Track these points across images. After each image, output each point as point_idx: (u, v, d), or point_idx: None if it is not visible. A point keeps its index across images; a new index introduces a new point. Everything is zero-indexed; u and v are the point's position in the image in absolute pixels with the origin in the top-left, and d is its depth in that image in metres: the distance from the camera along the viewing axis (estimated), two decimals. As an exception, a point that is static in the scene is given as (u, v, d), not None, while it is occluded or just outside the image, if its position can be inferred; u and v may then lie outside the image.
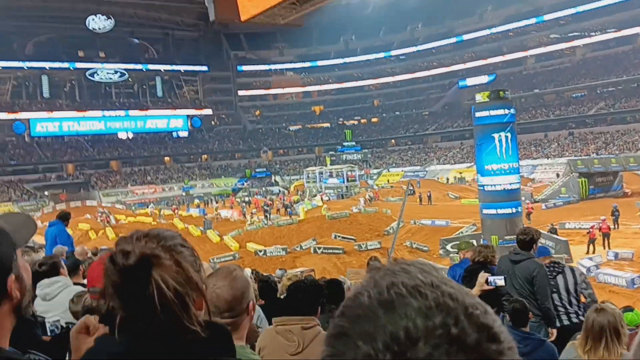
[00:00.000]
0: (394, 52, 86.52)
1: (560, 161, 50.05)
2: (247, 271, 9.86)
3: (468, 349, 0.51)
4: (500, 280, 4.04)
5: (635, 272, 17.80)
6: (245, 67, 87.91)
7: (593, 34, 68.36)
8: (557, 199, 36.09)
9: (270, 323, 3.09)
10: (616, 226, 24.88)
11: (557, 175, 44.52)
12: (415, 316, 0.53)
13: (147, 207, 53.57)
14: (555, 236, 22.78)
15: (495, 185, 21.56)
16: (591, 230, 22.57)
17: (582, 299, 5.64)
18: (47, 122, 69.94)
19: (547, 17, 70.98)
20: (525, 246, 5.40)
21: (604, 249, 21.66)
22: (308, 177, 57.18)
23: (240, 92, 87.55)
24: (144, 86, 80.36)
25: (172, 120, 79.31)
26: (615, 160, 36.98)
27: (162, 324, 1.06)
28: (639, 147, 51.55)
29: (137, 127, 76.94)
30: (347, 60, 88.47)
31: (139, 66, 78.24)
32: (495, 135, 21.46)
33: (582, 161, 39.18)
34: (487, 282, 4.20)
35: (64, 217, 8.06)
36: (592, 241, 22.23)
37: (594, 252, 21.70)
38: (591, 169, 36.66)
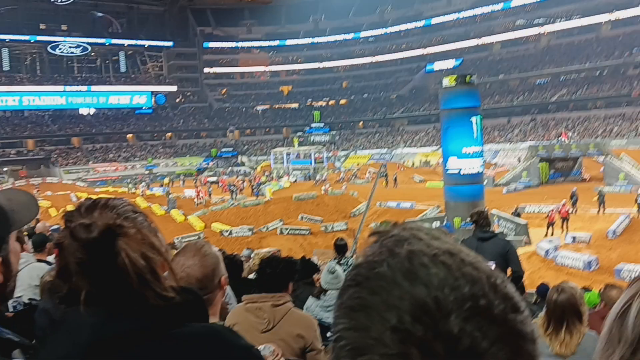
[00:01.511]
0: (363, 34, 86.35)
1: (523, 146, 51.03)
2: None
3: (497, 321, 0.50)
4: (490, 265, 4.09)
5: (592, 255, 18.41)
6: (211, 44, 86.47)
7: (558, 21, 69.51)
8: (518, 183, 36.88)
9: (239, 301, 3.07)
10: (575, 210, 25.60)
11: (519, 160, 45.41)
12: (443, 287, 0.50)
13: (108, 185, 52.56)
14: (515, 218, 23.35)
15: (459, 168, 21.89)
16: (550, 213, 23.20)
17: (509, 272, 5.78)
18: (6, 97, 67.77)
19: (513, 3, 71.85)
20: (488, 223, 5.77)
21: (563, 232, 22.28)
22: (275, 157, 56.96)
23: (207, 70, 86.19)
24: (107, 61, 78.40)
25: (136, 97, 77.70)
26: (576, 146, 37.95)
27: (135, 294, 1.02)
28: (598, 133, 53.00)
29: (100, 102, 75.24)
30: (317, 40, 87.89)
31: (102, 40, 76.21)
32: (461, 120, 21.74)
33: (544, 146, 40.07)
34: None
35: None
36: (551, 224, 22.86)
37: (552, 235, 22.33)
38: (552, 155, 37.56)
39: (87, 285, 1.01)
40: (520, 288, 5.67)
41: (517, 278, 5.59)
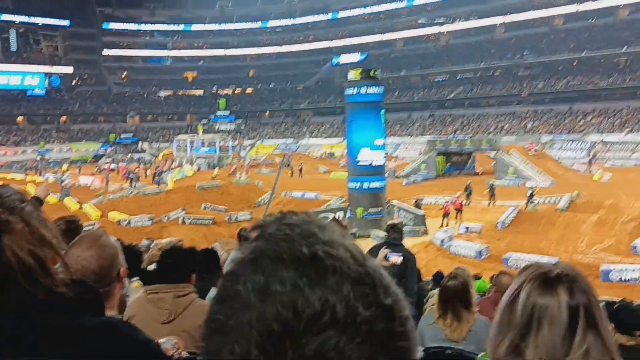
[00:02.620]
0: (270, 23, 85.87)
1: (422, 140, 53.15)
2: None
3: (361, 335, 0.46)
4: (396, 257, 4.17)
5: (483, 244, 19.56)
6: (112, 25, 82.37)
7: (457, 21, 72.85)
8: (417, 175, 38.43)
9: None
10: (469, 202, 27.07)
11: (420, 153, 47.31)
12: (295, 304, 0.46)
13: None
14: (413, 209, 24.32)
15: (362, 160, 22.43)
16: (445, 205, 24.39)
17: None
18: None
19: (416, 2, 74.42)
20: (399, 236, 6.03)
21: (457, 222, 23.50)
22: (179, 145, 55.40)
23: (106, 52, 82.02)
24: (-5, 38, 72.54)
25: (28, 77, 72.56)
26: (470, 142, 40.13)
27: (24, 292, 0.94)
28: (490, 130, 56.31)
29: (-14, 82, 69.51)
30: (223, 26, 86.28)
31: (-11, 15, 70.30)
32: (365, 113, 22.27)
33: (441, 141, 42.01)
34: (385, 258, 4.32)
35: (39, 201, 7.96)
36: (445, 215, 24.03)
37: (447, 226, 23.50)
38: (448, 149, 39.51)
39: None
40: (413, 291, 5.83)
41: (411, 291, 5.64)
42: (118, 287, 1.79)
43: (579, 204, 25.39)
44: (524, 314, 0.95)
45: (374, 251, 6.02)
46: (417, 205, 24.10)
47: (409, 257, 5.81)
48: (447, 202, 24.72)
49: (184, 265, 2.79)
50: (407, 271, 5.68)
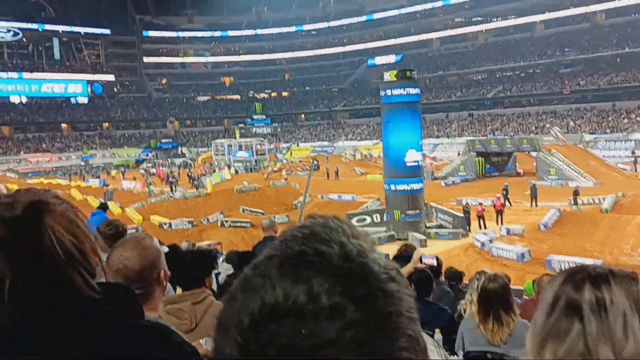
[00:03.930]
0: (305, 27, 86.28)
1: (460, 141, 52.42)
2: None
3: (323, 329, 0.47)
4: (431, 260, 4.16)
5: (525, 247, 19.15)
6: (151, 33, 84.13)
7: (495, 19, 71.73)
8: (455, 176, 37.90)
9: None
10: (506, 203, 26.54)
11: (458, 154, 46.68)
12: (270, 295, 0.49)
13: (41, 176, 50.44)
14: (452, 211, 23.98)
15: (399, 162, 22.26)
16: (479, 207, 23.77)
17: None
18: None
19: (452, 1, 73.52)
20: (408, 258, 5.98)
21: (497, 224, 23.05)
22: (216, 149, 56.20)
23: (146, 59, 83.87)
24: (40, 47, 74.91)
25: (71, 85, 74.72)
26: (510, 142, 39.32)
27: (58, 284, 0.92)
28: (531, 129, 55.12)
29: (32, 91, 71.92)
30: (259, 32, 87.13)
31: (34, 25, 72.65)
32: (401, 114, 22.11)
33: (480, 141, 41.32)
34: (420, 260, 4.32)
35: (104, 207, 8.88)
36: (480, 217, 23.43)
37: (485, 228, 22.94)
38: (488, 149, 38.80)
39: (8, 270, 0.92)
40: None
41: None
42: (158, 290, 1.82)
43: (624, 205, 24.63)
44: (563, 310, 0.93)
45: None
46: (465, 209, 23.55)
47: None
48: (479, 203, 24.22)
49: (195, 270, 2.75)
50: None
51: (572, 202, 25.19)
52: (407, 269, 3.66)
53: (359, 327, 0.47)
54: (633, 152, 42.96)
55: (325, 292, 0.48)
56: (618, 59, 58.22)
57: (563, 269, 0.98)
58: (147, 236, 1.93)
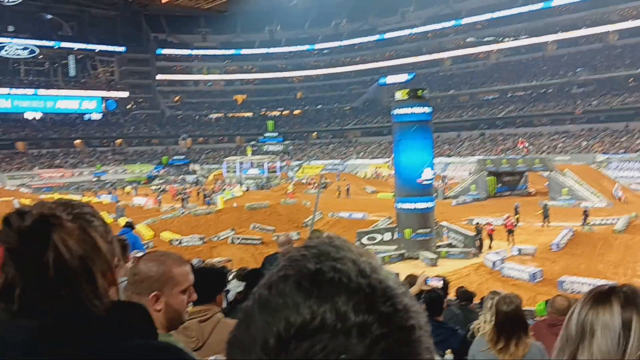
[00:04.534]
0: (318, 46, 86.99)
1: (471, 160, 52.29)
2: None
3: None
4: (436, 282, 4.16)
5: (537, 267, 18.95)
6: (165, 51, 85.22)
7: (506, 39, 71.93)
8: (466, 195, 37.73)
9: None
10: (517, 223, 26.31)
11: (469, 173, 46.51)
12: (288, 316, 0.50)
13: (54, 191, 50.82)
14: (463, 230, 23.83)
15: (410, 180, 22.23)
16: (488, 227, 23.61)
17: None
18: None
19: (464, 21, 73.92)
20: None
21: (508, 244, 22.85)
22: (228, 166, 56.45)
23: (159, 76, 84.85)
24: (56, 64, 76.14)
25: (85, 102, 75.76)
26: (522, 161, 39.14)
27: (62, 299, 0.91)
28: (543, 149, 54.89)
29: (47, 107, 73.01)
30: (272, 50, 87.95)
31: (50, 43, 73.89)
32: (413, 133, 22.12)
33: (492, 161, 41.18)
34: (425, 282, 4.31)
35: (130, 225, 8.89)
36: (489, 236, 23.25)
37: (490, 247, 22.71)
38: (499, 169, 38.64)
39: (17, 279, 0.92)
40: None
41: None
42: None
43: (637, 225, 24.36)
44: (578, 326, 0.98)
45: None
46: (478, 229, 23.39)
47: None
48: (488, 223, 24.08)
49: (209, 286, 2.71)
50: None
51: (583, 222, 24.97)
52: (412, 291, 3.62)
53: (385, 342, 0.49)
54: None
55: (352, 310, 0.49)
56: (631, 80, 58.02)
57: (575, 290, 1.05)
58: (165, 253, 1.98)
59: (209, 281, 2.72)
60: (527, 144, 40.24)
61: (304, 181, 46.92)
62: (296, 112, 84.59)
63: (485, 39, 73.67)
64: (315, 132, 79.68)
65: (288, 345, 0.48)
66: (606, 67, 60.86)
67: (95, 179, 62.69)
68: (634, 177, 43.05)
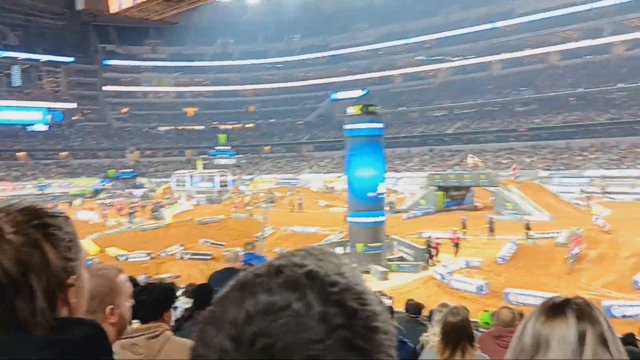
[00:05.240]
0: (271, 60, 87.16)
1: (421, 175, 53.18)
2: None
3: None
4: (385, 300, 4.19)
5: (483, 280, 19.40)
6: (113, 62, 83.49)
7: (454, 59, 74.03)
8: (416, 209, 38.35)
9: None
10: (463, 237, 26.96)
11: (420, 188, 47.27)
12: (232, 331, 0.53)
13: None
14: (413, 244, 24.20)
15: (362, 194, 22.45)
16: (433, 241, 24.08)
17: None
18: None
19: (413, 40, 75.64)
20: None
21: (455, 257, 23.34)
22: (178, 180, 55.49)
23: (107, 88, 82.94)
24: (0, 74, 73.35)
25: (29, 113, 73.15)
26: (469, 177, 40.12)
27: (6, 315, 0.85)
28: (489, 165, 56.42)
29: (-11, 117, 70.13)
30: (225, 63, 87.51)
31: (-7, 52, 71.31)
32: (364, 148, 22.40)
33: (440, 176, 42.06)
34: None
35: None
36: (436, 250, 23.70)
37: (431, 259, 23.12)
38: (447, 183, 39.52)
39: None
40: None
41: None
42: (109, 328, 1.78)
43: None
44: (534, 339, 0.99)
45: None
46: (428, 243, 23.76)
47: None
48: (432, 237, 24.66)
49: (156, 303, 2.66)
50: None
51: (527, 236, 25.79)
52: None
53: (345, 331, 0.52)
54: (582, 191, 44.46)
55: (320, 299, 0.53)
56: (572, 99, 60.57)
57: (520, 302, 1.05)
58: (110, 267, 1.92)
59: (156, 298, 2.67)
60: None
61: (247, 198, 46.78)
62: (249, 125, 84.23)
63: (434, 58, 75.60)
64: (269, 146, 79.52)
65: (253, 319, 0.51)
66: (548, 86, 63.37)
67: (39, 192, 60.42)
68: (575, 192, 44.80)
